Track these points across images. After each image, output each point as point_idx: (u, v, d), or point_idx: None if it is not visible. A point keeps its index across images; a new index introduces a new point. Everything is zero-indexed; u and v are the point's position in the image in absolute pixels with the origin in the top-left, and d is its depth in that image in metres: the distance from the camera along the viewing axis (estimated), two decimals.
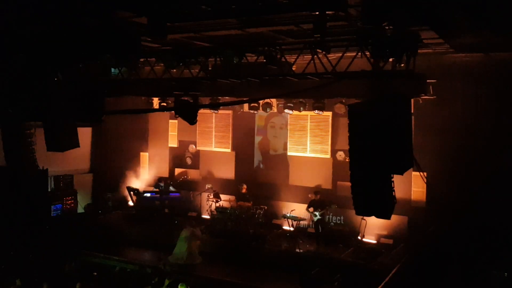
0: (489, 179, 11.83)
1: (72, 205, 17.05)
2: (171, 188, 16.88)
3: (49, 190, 16.23)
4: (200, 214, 16.74)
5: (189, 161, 18.05)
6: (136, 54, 11.03)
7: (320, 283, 11.28)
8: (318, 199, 14.13)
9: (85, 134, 17.56)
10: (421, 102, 12.49)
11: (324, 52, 9.46)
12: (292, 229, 14.20)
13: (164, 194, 16.63)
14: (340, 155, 15.03)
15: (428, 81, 11.40)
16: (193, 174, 17.75)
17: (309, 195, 14.84)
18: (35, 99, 13.03)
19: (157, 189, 16.90)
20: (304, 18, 9.14)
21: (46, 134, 13.14)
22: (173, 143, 18.29)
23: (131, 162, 18.41)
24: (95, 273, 11.10)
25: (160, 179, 17.19)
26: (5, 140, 13.37)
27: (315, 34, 8.69)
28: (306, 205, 14.56)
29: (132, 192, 16.84)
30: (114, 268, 12.09)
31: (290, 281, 12.16)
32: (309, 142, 15.54)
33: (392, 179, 8.46)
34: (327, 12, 8.25)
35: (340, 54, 9.47)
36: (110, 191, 18.17)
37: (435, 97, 12.15)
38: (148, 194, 16.73)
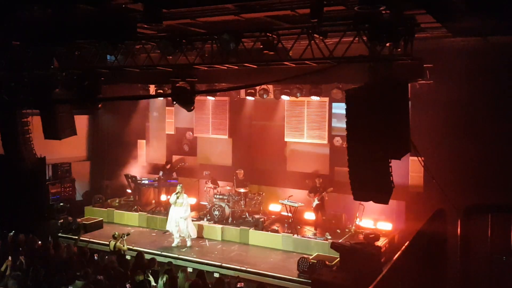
0: (487, 162, 11.87)
1: (71, 192, 17.10)
2: (174, 175, 16.91)
3: (47, 178, 16.25)
4: (198, 200, 16.81)
5: (186, 148, 18.06)
6: (132, 40, 10.96)
7: (318, 267, 11.36)
8: (319, 185, 14.16)
9: (81, 122, 17.54)
10: (418, 86, 12.47)
11: (321, 37, 9.41)
12: (290, 214, 14.27)
13: (162, 181, 16.66)
14: (338, 141, 15.06)
15: (425, 65, 11.37)
16: (190, 161, 17.76)
17: (306, 181, 14.89)
18: (32, 87, 13.01)
19: (156, 176, 16.93)
20: (300, 2, 9.07)
21: (43, 122, 13.15)
22: (170, 130, 18.26)
23: (129, 150, 18.41)
24: (96, 255, 11.17)
25: (162, 168, 17.20)
26: (2, 128, 13.33)
27: (312, 19, 8.62)
28: (303, 191, 14.63)
29: (130, 180, 16.88)
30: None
31: (289, 265, 12.27)
32: (306, 128, 15.53)
33: (390, 164, 8.49)
34: None
35: (337, 40, 9.42)
36: (108, 178, 18.21)
37: (432, 81, 12.13)
38: (146, 181, 16.78)
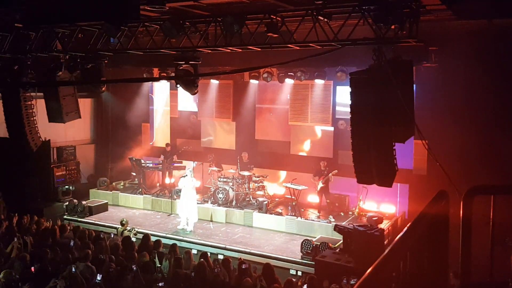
0: (491, 144, 11.86)
1: (75, 175, 17.23)
2: (174, 158, 16.95)
3: (51, 161, 16.35)
4: (202, 183, 16.89)
5: (190, 131, 18.06)
6: (135, 23, 10.92)
7: (322, 249, 11.45)
8: (324, 168, 14.21)
9: (85, 105, 17.57)
10: (422, 69, 12.42)
11: (326, 20, 9.35)
12: (293, 197, 14.33)
13: (167, 164, 16.72)
14: (342, 124, 15.03)
15: (430, 48, 11.31)
16: (194, 144, 17.78)
17: (311, 165, 14.92)
18: (35, 70, 13.02)
19: (160, 159, 16.98)
20: None
21: (47, 105, 13.18)
22: (174, 113, 18.26)
23: (133, 133, 18.44)
24: (102, 234, 11.28)
25: (163, 151, 17.23)
26: (7, 111, 13.38)
27: (316, 1, 8.58)
28: (307, 174, 14.66)
29: (134, 163, 16.94)
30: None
31: (292, 247, 12.36)
32: (310, 111, 15.51)
33: (394, 147, 8.50)
34: None
35: (342, 22, 9.36)
36: (113, 161, 18.29)
37: (437, 64, 12.07)
38: (150, 164, 16.84)
